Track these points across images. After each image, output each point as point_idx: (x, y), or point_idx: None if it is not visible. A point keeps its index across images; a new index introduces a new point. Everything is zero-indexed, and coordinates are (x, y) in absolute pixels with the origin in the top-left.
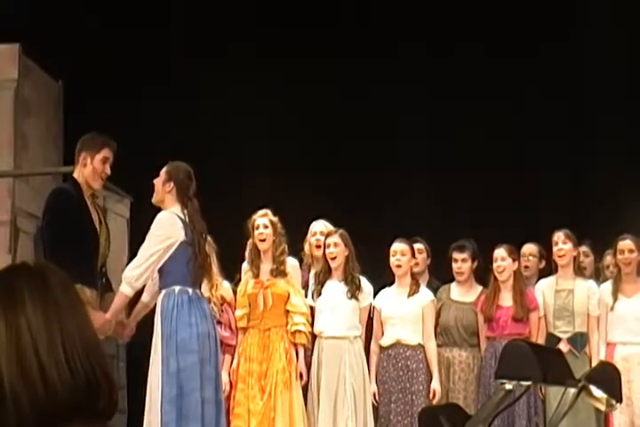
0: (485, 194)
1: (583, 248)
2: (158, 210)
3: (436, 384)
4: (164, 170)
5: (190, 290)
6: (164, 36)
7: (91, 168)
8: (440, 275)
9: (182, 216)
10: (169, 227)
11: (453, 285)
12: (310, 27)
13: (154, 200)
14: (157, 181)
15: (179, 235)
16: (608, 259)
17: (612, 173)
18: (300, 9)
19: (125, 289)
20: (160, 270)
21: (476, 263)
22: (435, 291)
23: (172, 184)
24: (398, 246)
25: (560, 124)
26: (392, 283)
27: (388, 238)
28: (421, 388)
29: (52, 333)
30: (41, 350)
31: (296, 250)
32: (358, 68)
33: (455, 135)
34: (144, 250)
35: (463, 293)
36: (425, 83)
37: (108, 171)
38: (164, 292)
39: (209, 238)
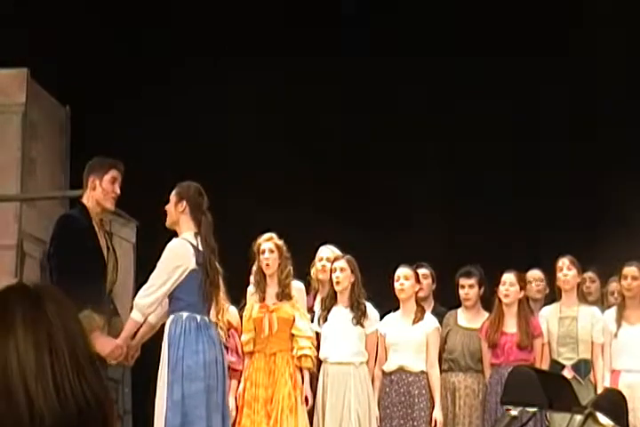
0: (488, 219)
1: (589, 274)
2: (166, 234)
3: (437, 413)
4: (173, 192)
5: (199, 317)
6: (163, 36)
7: (100, 190)
8: (445, 301)
9: (194, 242)
10: (180, 255)
11: (460, 310)
12: (310, 27)
13: (168, 223)
14: (169, 206)
15: (189, 262)
16: (613, 285)
17: (611, 172)
18: (300, 9)
19: (136, 316)
20: (169, 296)
21: (482, 289)
22: (440, 317)
23: (184, 203)
24: (402, 271)
25: (560, 125)
26: (397, 308)
27: (393, 264)
28: (423, 414)
29: (41, 359)
30: (28, 376)
31: (301, 273)
32: (359, 68)
33: (456, 154)
34: (155, 278)
35: (470, 319)
36: (426, 83)
37: (118, 191)
38: (171, 317)
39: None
